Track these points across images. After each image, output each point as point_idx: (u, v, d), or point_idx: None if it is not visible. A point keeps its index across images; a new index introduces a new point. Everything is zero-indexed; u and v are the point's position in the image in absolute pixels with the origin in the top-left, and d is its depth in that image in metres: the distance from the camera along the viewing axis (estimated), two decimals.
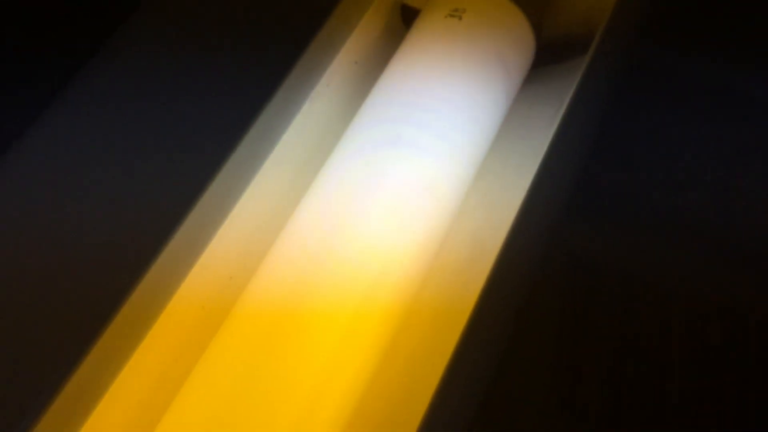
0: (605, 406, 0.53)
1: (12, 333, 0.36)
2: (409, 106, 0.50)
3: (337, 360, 0.42)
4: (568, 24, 0.58)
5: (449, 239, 0.50)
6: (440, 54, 0.52)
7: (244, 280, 0.46)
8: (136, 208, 0.40)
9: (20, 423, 0.34)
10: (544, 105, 0.55)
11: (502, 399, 0.51)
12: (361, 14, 0.49)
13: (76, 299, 0.37)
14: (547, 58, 0.58)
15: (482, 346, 0.44)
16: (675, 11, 0.58)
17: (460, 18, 0.53)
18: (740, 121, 0.59)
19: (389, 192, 0.46)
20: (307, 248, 0.45)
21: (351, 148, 0.49)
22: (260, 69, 0.43)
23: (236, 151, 0.41)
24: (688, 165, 0.59)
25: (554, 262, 0.56)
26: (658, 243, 0.57)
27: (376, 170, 0.47)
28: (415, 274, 0.46)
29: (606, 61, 0.52)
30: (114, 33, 0.45)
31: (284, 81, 0.43)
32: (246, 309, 0.44)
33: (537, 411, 0.53)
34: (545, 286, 0.55)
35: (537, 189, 0.47)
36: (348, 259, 0.44)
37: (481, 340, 0.43)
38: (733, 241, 0.58)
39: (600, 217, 0.58)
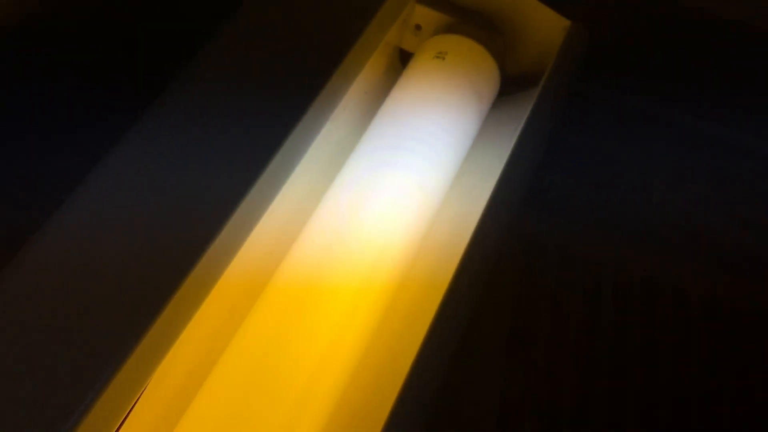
0: (550, 350, 0.55)
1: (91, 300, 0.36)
2: (405, 125, 0.51)
3: (353, 312, 0.44)
4: (525, 63, 0.60)
5: (435, 224, 0.52)
6: (429, 86, 0.53)
7: (283, 252, 0.47)
8: (206, 200, 0.40)
9: (100, 376, 0.34)
10: (507, 124, 0.56)
11: (470, 350, 0.52)
12: (369, 56, 0.49)
13: (150, 271, 0.37)
14: (509, 88, 0.59)
15: (457, 306, 0.45)
16: (607, 54, 0.60)
17: (444, 59, 0.55)
18: (653, 137, 0.61)
19: (390, 189, 0.48)
20: (329, 230, 0.47)
21: (362, 157, 0.50)
22: (295, 94, 0.44)
23: (275, 157, 0.42)
24: (614, 170, 0.61)
25: (513, 241, 0.58)
26: (591, 228, 0.59)
27: (380, 173, 0.49)
28: (408, 251, 0.49)
29: (553, 91, 0.54)
30: (179, 74, 0.45)
31: (311, 105, 0.44)
32: (283, 276, 0.46)
33: (497, 362, 0.54)
34: (506, 259, 0.57)
35: (500, 187, 0.48)
36: (359, 240, 0.46)
37: (456, 302, 0.44)
38: (648, 227, 0.60)
39: (548, 209, 0.59)
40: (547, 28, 0.57)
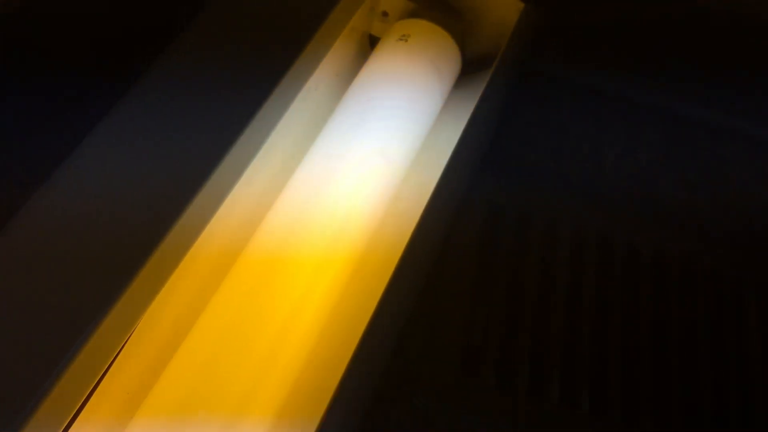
0: (510, 304, 0.58)
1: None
2: (371, 101, 0.54)
3: (316, 281, 0.47)
4: (485, 44, 0.62)
5: (399, 193, 0.54)
6: (392, 65, 0.56)
7: (256, 224, 0.50)
8: (174, 178, 0.42)
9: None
10: (466, 100, 0.58)
11: (435, 304, 0.56)
12: (334, 40, 0.53)
13: (122, 243, 0.39)
14: (472, 67, 0.61)
15: (417, 262, 0.48)
16: (555, 37, 0.63)
17: (406, 41, 0.57)
18: (598, 109, 0.64)
19: (355, 159, 0.51)
20: (301, 199, 0.49)
21: (330, 132, 0.53)
22: (263, 75, 0.47)
23: (243, 133, 0.44)
24: (569, 141, 0.64)
25: (475, 206, 0.60)
26: (547, 194, 0.62)
27: (346, 145, 0.51)
28: (373, 219, 0.51)
29: (506, 70, 0.57)
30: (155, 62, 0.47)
31: (278, 84, 0.47)
32: (255, 248, 0.48)
33: (461, 314, 0.57)
34: (469, 222, 0.59)
35: (456, 154, 0.51)
36: (327, 206, 0.49)
37: (415, 257, 0.47)
38: (601, 192, 0.62)
39: (507, 176, 0.62)
40: (504, 11, 0.60)
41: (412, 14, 0.61)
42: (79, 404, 0.38)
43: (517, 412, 0.54)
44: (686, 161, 0.63)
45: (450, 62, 0.60)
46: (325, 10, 0.52)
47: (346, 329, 0.46)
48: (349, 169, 0.51)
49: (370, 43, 0.64)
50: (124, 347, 0.43)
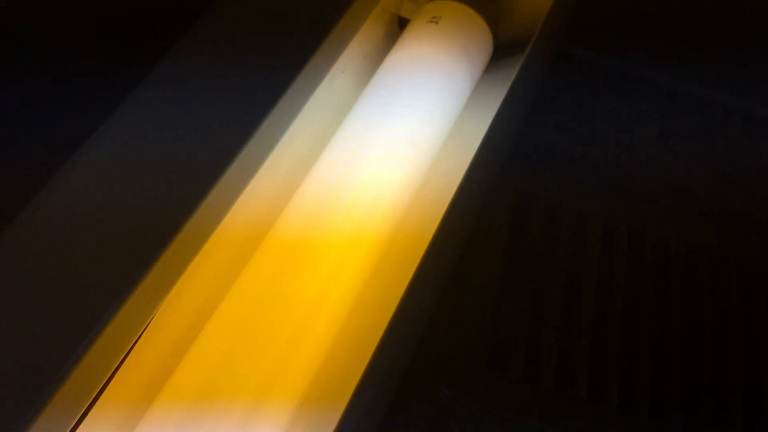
0: (538, 296, 0.56)
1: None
2: (399, 85, 0.52)
3: (343, 264, 0.46)
4: (519, 27, 0.60)
5: (427, 179, 0.53)
6: (421, 48, 0.54)
7: (283, 205, 0.49)
8: (202, 156, 0.41)
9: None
10: (498, 86, 0.56)
11: (462, 294, 0.54)
12: (363, 20, 0.51)
13: (149, 220, 0.38)
14: (505, 51, 0.59)
15: (444, 250, 0.46)
16: (595, 17, 0.61)
17: (437, 23, 0.55)
18: (632, 96, 0.62)
19: (381, 144, 0.49)
20: (324, 185, 0.48)
21: (358, 115, 0.51)
22: (291, 55, 0.45)
23: (270, 114, 0.43)
24: (603, 129, 0.62)
25: (505, 195, 0.58)
26: (579, 183, 0.59)
27: (374, 129, 0.50)
28: (400, 204, 0.50)
29: (539, 55, 0.54)
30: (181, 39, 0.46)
31: (306, 65, 0.45)
32: (281, 228, 0.47)
33: (488, 305, 0.55)
34: (498, 211, 0.57)
35: (487, 140, 0.49)
36: (354, 191, 0.47)
37: (443, 245, 0.46)
38: (634, 182, 0.60)
39: (538, 165, 0.59)
40: None
41: None
42: (99, 388, 0.37)
43: (544, 406, 0.53)
44: (722, 152, 0.61)
45: (481, 46, 0.57)
46: None
47: (373, 316, 0.45)
48: (376, 155, 0.49)
49: (399, 25, 0.62)
50: (146, 330, 0.43)
